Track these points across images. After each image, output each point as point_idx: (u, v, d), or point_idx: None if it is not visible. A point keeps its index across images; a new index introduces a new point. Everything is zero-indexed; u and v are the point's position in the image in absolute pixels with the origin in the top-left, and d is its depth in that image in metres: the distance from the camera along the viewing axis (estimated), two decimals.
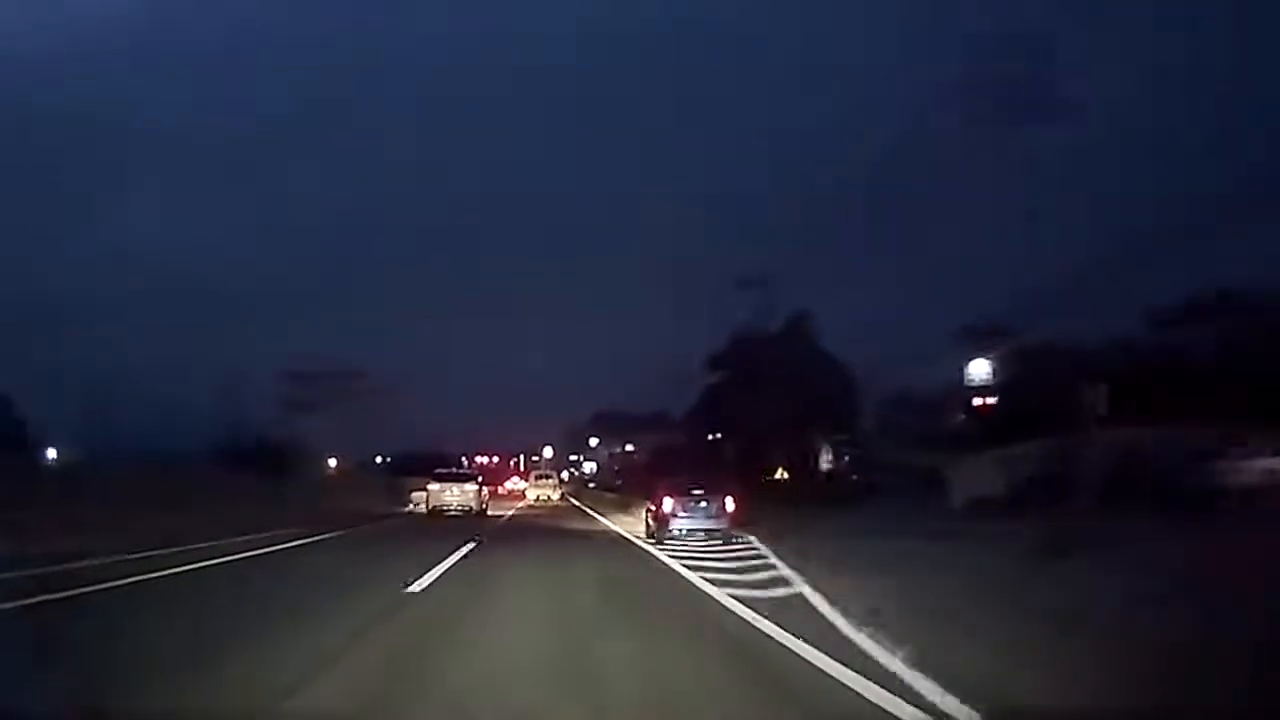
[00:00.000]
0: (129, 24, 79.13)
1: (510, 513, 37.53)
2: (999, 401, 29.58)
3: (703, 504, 20.50)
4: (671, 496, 20.91)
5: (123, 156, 78.57)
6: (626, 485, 41.87)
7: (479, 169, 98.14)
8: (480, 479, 35.76)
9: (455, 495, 32.03)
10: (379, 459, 73.59)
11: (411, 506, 34.22)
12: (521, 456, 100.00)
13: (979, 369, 30.90)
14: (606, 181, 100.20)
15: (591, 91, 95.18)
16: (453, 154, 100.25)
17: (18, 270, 56.40)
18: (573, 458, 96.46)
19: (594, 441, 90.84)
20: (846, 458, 31.60)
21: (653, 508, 22.44)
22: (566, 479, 77.98)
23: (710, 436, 47.02)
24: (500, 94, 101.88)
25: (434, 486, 32.52)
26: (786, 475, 21.03)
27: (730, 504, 20.82)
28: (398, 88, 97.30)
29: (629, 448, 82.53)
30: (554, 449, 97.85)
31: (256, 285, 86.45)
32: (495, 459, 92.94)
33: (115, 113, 75.91)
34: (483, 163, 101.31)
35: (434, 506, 31.81)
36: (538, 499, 50.97)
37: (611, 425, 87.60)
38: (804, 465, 22.34)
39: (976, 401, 30.53)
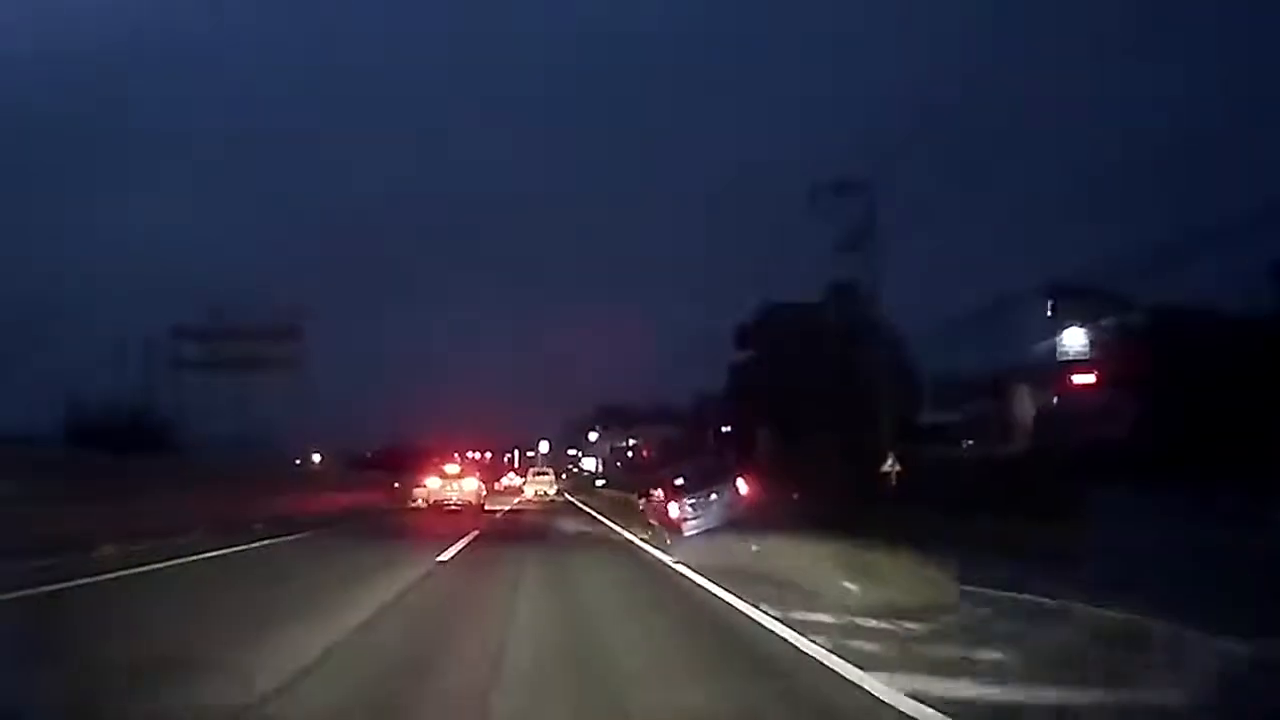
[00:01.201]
0: (128, 23, 75.89)
1: (500, 510, 34.39)
2: (1107, 378, 24.06)
3: (713, 495, 18.53)
4: (676, 494, 19.06)
5: (121, 156, 74.96)
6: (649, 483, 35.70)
7: (479, 168, 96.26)
8: (478, 476, 39.80)
9: (454, 491, 34.92)
10: (369, 455, 68.66)
11: (421, 501, 35.42)
12: (516, 452, 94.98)
13: (1074, 339, 25.52)
14: (606, 181, 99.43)
15: (592, 91, 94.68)
16: (453, 153, 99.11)
17: (16, 270, 51.70)
18: (571, 453, 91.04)
19: (593, 436, 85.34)
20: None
21: (655, 508, 20.29)
22: (565, 476, 74.33)
23: (724, 427, 42.03)
24: (500, 94, 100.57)
25: (435, 484, 35.45)
26: (899, 468, 15.71)
27: (744, 485, 18.90)
28: (398, 87, 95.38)
29: (631, 441, 77.44)
30: (550, 444, 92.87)
31: (256, 284, 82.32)
32: (488, 455, 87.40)
33: (114, 112, 72.25)
34: (483, 162, 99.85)
35: (435, 501, 34.11)
36: (536, 494, 51.97)
37: (612, 419, 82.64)
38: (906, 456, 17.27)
39: (1076, 380, 25.02)
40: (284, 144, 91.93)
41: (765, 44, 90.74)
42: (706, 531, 17.38)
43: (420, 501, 35.05)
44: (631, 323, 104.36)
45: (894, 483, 15.84)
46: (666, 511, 19.00)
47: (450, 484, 35.28)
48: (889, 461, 15.94)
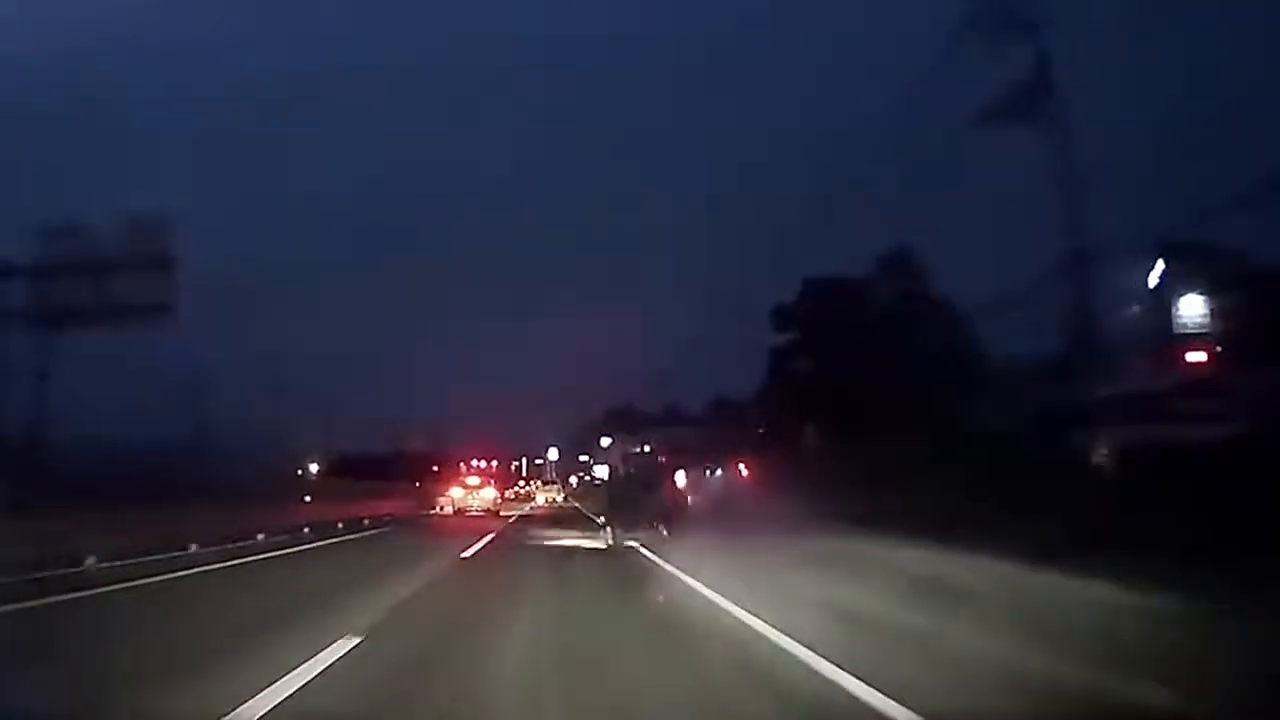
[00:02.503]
0: (128, 23, 74.14)
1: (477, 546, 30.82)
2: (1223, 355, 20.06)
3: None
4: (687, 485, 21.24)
5: (121, 156, 72.82)
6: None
7: (479, 168, 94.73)
8: (494, 485, 46.64)
9: (475, 500, 40.76)
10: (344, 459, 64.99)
11: (447, 508, 39.96)
12: (524, 459, 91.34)
13: (1192, 308, 21.51)
14: (606, 182, 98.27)
15: (592, 91, 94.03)
16: (453, 153, 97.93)
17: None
18: (582, 459, 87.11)
19: (605, 442, 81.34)
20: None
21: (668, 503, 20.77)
22: (577, 484, 77.52)
23: (759, 428, 38.44)
24: (500, 94, 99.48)
25: (458, 494, 41.55)
26: (1106, 456, 11.85)
27: (743, 470, 20.73)
28: (397, 87, 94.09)
29: (646, 448, 73.47)
30: (559, 451, 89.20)
31: (255, 284, 79.71)
32: (494, 463, 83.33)
33: (114, 112, 70.13)
34: (483, 162, 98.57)
35: (459, 508, 39.32)
36: (546, 500, 64.54)
37: (623, 423, 78.95)
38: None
39: (1192, 358, 20.98)
40: (284, 144, 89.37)
41: (765, 44, 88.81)
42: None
43: (446, 508, 40.02)
44: (635, 326, 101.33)
45: (1109, 479, 11.50)
46: (678, 500, 20.09)
47: (471, 494, 41.43)
48: (1101, 450, 11.74)
